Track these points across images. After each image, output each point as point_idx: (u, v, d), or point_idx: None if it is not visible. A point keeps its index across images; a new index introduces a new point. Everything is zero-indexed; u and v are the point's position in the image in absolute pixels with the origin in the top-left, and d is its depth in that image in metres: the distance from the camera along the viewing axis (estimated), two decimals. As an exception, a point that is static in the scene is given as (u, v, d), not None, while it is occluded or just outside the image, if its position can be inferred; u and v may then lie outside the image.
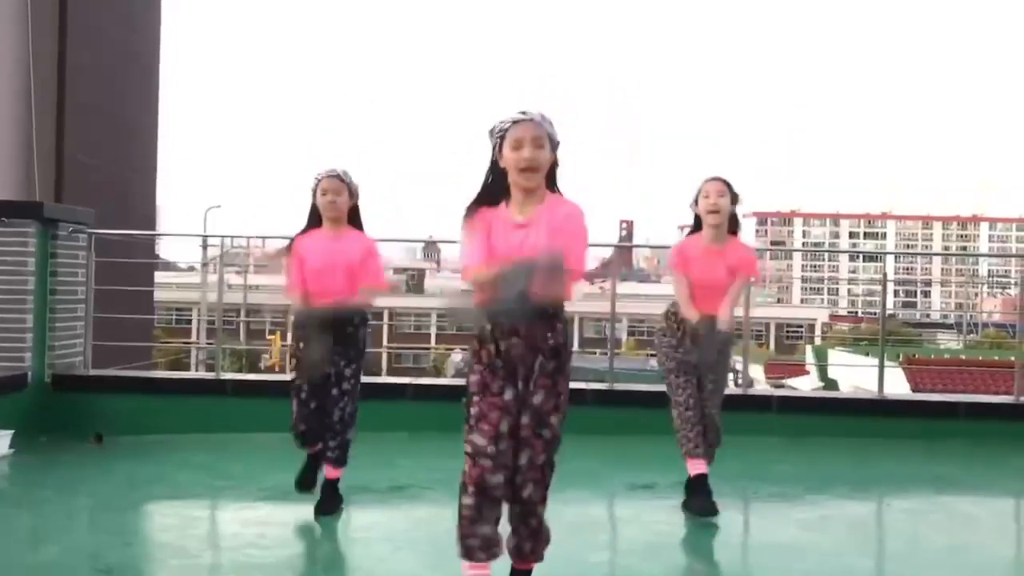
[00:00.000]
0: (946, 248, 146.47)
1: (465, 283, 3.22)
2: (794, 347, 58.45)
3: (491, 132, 3.22)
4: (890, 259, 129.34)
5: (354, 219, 4.77)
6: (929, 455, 6.53)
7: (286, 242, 4.85)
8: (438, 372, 40.12)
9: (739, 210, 4.84)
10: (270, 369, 29.39)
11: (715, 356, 4.69)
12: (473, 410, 3.14)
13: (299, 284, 4.66)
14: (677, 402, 4.77)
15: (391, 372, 41.05)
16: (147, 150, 13.88)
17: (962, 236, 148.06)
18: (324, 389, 4.65)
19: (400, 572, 3.99)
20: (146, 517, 5.07)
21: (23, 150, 9.91)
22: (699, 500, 4.71)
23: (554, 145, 3.21)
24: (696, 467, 4.72)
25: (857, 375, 19.92)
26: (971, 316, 73.70)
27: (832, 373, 28.23)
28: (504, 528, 3.18)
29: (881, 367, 7.34)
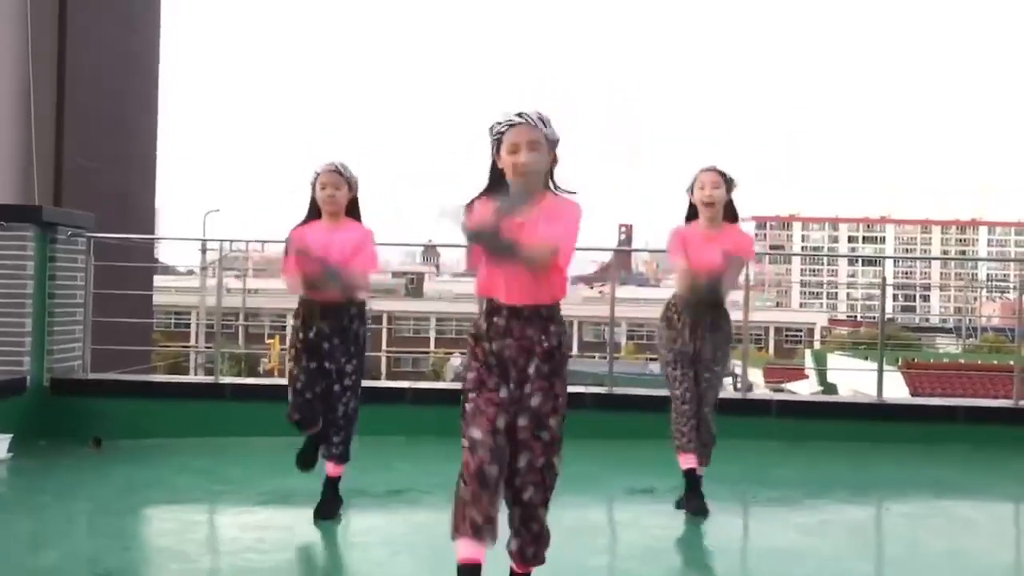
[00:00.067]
0: (945, 252, 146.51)
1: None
2: (793, 351, 58.49)
3: (490, 131, 3.23)
4: (889, 263, 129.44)
5: (353, 212, 4.78)
6: (928, 459, 6.53)
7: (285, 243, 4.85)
8: (437, 376, 40.09)
9: (736, 196, 4.87)
10: (269, 373, 29.39)
11: (719, 296, 4.68)
12: (469, 406, 3.15)
13: (296, 269, 4.68)
14: (674, 395, 4.82)
15: (390, 376, 41.02)
16: (146, 153, 13.88)
17: (961, 240, 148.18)
18: (320, 380, 4.66)
19: (399, 576, 3.98)
20: (145, 521, 5.06)
21: (22, 153, 9.91)
22: (692, 500, 4.78)
23: (552, 144, 3.21)
24: (686, 461, 4.79)
25: (856, 379, 19.92)
26: (970, 320, 73.68)
27: (831, 377, 28.24)
28: (504, 532, 3.18)
29: (880, 371, 7.33)
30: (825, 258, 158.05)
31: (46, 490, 5.31)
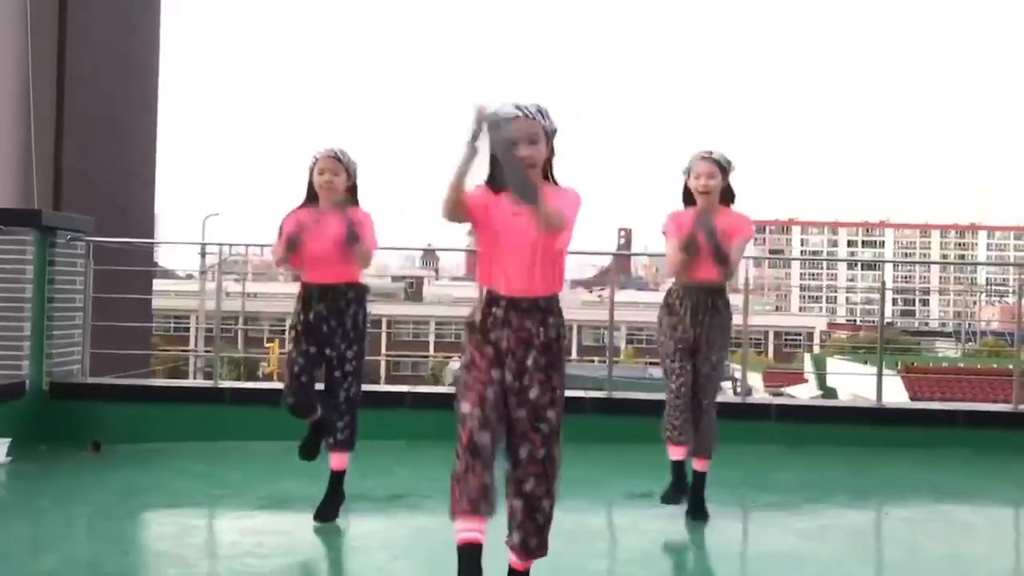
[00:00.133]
0: (944, 256, 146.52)
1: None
2: (792, 355, 58.53)
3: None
4: (888, 267, 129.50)
5: (351, 199, 4.79)
6: (928, 463, 6.52)
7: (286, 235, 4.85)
8: (436, 380, 40.07)
9: (733, 179, 4.89)
10: (268, 377, 29.36)
11: (722, 252, 4.67)
12: (461, 384, 3.19)
13: (286, 252, 4.69)
14: (670, 388, 4.84)
15: (389, 380, 41.01)
16: (146, 157, 13.91)
17: (960, 244, 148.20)
18: (319, 364, 4.67)
19: (398, 581, 3.98)
20: (144, 526, 5.06)
21: (22, 157, 9.92)
22: (670, 490, 4.85)
23: (551, 135, 3.23)
24: (675, 453, 4.83)
25: (855, 383, 19.91)
26: (969, 324, 73.72)
27: (831, 381, 28.20)
28: (501, 531, 3.18)
29: (879, 375, 7.33)
30: (824, 262, 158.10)
31: (45, 494, 5.30)
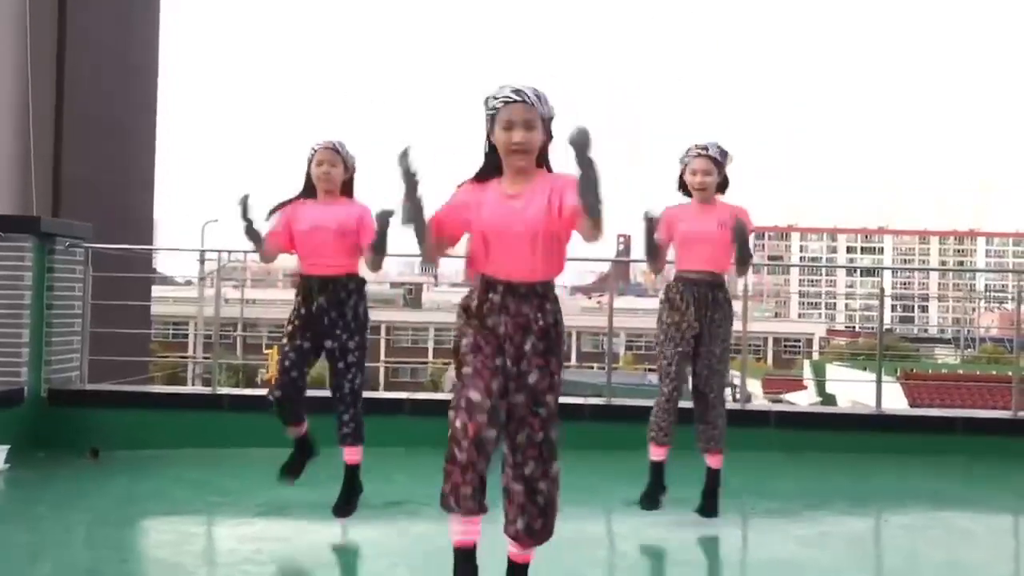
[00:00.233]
0: (943, 263, 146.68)
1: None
2: (792, 362, 58.47)
3: (485, 104, 3.23)
4: (887, 274, 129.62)
5: (348, 192, 4.79)
6: (927, 470, 6.51)
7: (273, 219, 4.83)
8: (435, 387, 40.04)
9: (730, 168, 4.92)
10: (267, 384, 29.25)
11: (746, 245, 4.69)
12: (466, 369, 3.14)
13: (280, 245, 4.70)
14: (662, 391, 4.89)
15: (388, 387, 40.97)
16: (145, 162, 13.90)
17: (959, 251, 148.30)
18: (311, 360, 4.69)
19: (397, 588, 3.97)
20: (142, 533, 5.05)
21: (21, 162, 9.92)
22: (649, 492, 4.92)
23: (548, 121, 3.22)
24: (656, 454, 4.91)
25: (855, 390, 19.93)
26: (968, 331, 73.74)
27: (830, 388, 28.25)
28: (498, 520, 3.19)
29: (879, 382, 7.33)
30: (823, 269, 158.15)
31: (43, 501, 5.29)
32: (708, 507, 4.88)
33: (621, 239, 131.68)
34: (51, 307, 6.79)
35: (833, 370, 31.59)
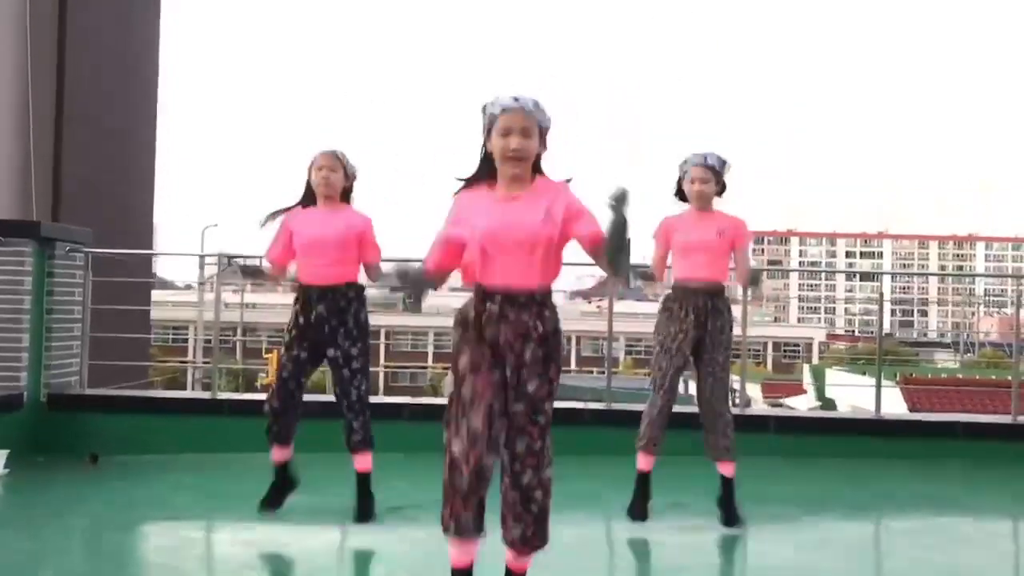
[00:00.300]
0: (943, 267, 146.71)
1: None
2: (791, 366, 58.51)
3: (482, 110, 3.24)
4: (887, 278, 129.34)
5: (346, 201, 4.80)
6: (927, 475, 6.51)
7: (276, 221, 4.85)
8: (435, 392, 40.02)
9: (729, 176, 4.94)
10: (267, 388, 29.24)
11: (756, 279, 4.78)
12: (466, 390, 3.15)
13: (284, 255, 4.71)
14: (654, 402, 4.93)
15: (387, 392, 40.98)
16: (145, 165, 13.90)
17: (958, 256, 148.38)
18: (307, 371, 4.71)
19: (396, 594, 3.96)
20: (142, 538, 5.04)
21: (21, 166, 9.92)
22: (637, 502, 4.93)
23: (544, 131, 3.23)
24: (644, 463, 4.94)
25: (854, 395, 19.91)
26: (968, 336, 73.74)
27: (829, 393, 28.23)
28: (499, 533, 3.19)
29: (878, 387, 7.33)
30: (823, 273, 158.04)
31: (42, 506, 5.29)
32: (729, 517, 4.86)
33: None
34: (51, 312, 6.79)
35: (833, 375, 31.58)
